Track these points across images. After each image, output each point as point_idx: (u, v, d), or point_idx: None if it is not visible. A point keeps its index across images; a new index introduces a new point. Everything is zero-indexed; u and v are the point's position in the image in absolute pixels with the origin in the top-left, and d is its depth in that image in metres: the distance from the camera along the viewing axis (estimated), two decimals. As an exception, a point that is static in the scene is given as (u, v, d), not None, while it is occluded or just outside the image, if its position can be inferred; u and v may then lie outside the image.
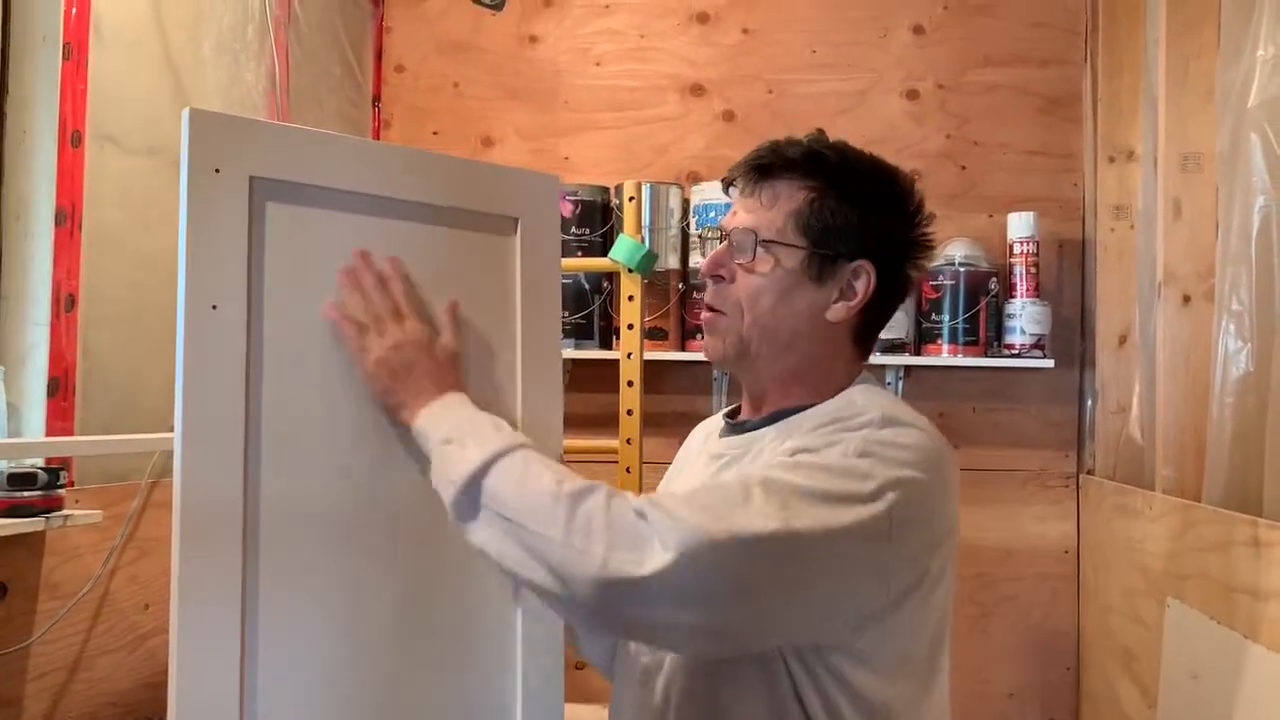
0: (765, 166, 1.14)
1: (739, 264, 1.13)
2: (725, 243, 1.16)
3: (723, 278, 1.15)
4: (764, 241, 1.12)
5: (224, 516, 0.88)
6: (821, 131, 1.20)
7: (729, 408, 1.28)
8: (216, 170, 0.92)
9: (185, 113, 0.90)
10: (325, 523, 0.96)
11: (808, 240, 1.12)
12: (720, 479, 1.11)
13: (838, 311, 1.13)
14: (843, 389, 1.15)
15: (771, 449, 1.10)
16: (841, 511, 0.97)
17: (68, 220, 1.65)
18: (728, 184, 1.19)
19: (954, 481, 1.09)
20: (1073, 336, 2.58)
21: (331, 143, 1.03)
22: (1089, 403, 2.54)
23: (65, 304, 1.64)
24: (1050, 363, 2.45)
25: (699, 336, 2.54)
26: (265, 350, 0.96)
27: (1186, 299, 1.89)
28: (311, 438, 0.97)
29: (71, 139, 1.65)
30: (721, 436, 1.23)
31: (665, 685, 1.11)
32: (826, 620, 1.00)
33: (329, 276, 1.02)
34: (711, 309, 1.16)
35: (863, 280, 1.13)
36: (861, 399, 1.12)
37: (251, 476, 0.91)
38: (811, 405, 1.13)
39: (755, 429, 1.16)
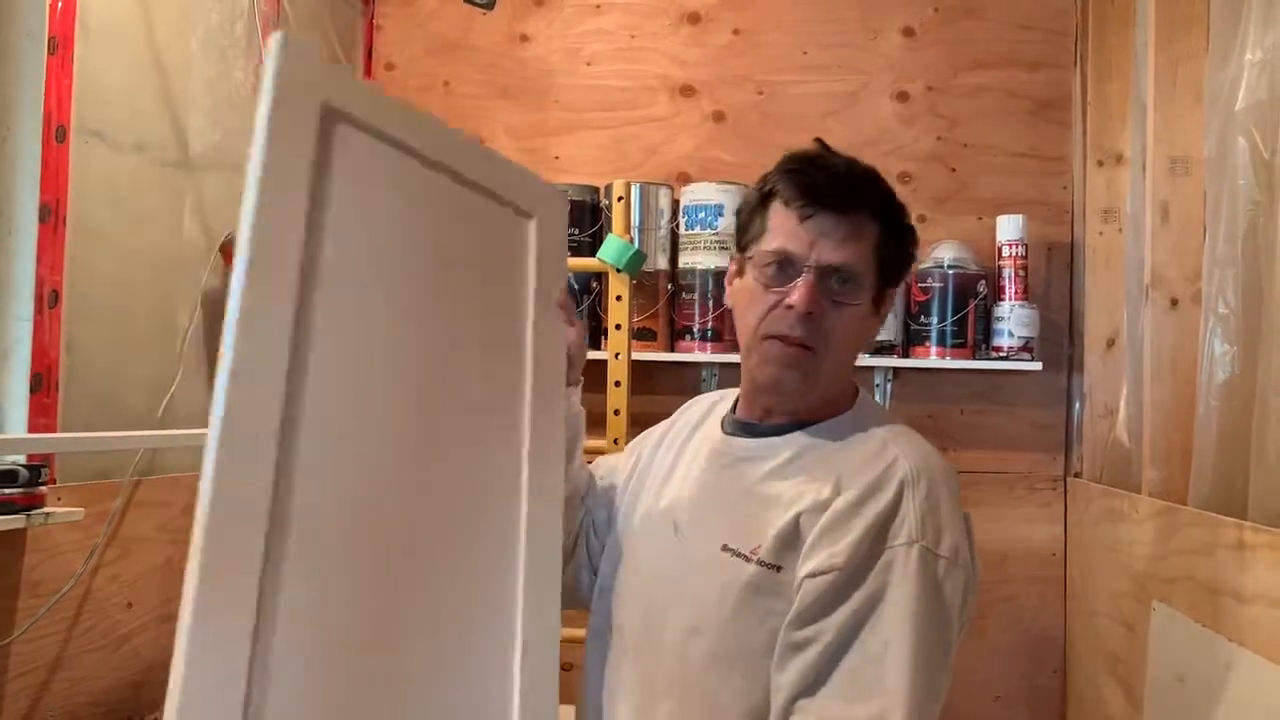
0: (850, 203, 1.16)
1: (835, 300, 1.16)
2: (818, 277, 1.15)
3: (816, 314, 1.15)
4: (856, 284, 1.16)
5: (253, 507, 0.79)
6: (822, 140, 1.23)
7: (731, 399, 1.30)
8: (295, 93, 0.83)
9: (275, 37, 0.83)
10: (353, 526, 0.88)
11: (878, 276, 1.18)
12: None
13: (876, 333, 1.24)
14: (845, 395, 1.23)
15: (799, 476, 1.15)
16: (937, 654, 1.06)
17: (52, 216, 1.64)
18: (804, 215, 1.16)
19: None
20: (1061, 339, 2.59)
21: (391, 101, 0.98)
22: (1077, 406, 2.54)
23: (49, 300, 1.63)
24: (1038, 365, 2.45)
25: (687, 337, 2.55)
26: (318, 313, 0.84)
27: (1174, 302, 1.89)
28: (355, 421, 0.88)
29: (56, 134, 1.64)
30: (728, 433, 1.25)
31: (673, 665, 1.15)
32: None
33: (390, 219, 0.94)
34: (803, 345, 1.16)
35: (889, 303, 1.22)
36: (884, 433, 1.17)
37: (285, 470, 0.80)
38: (824, 417, 1.20)
39: (767, 436, 1.21)
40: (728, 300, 1.27)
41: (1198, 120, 1.82)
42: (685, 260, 2.55)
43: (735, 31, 2.73)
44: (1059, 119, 2.62)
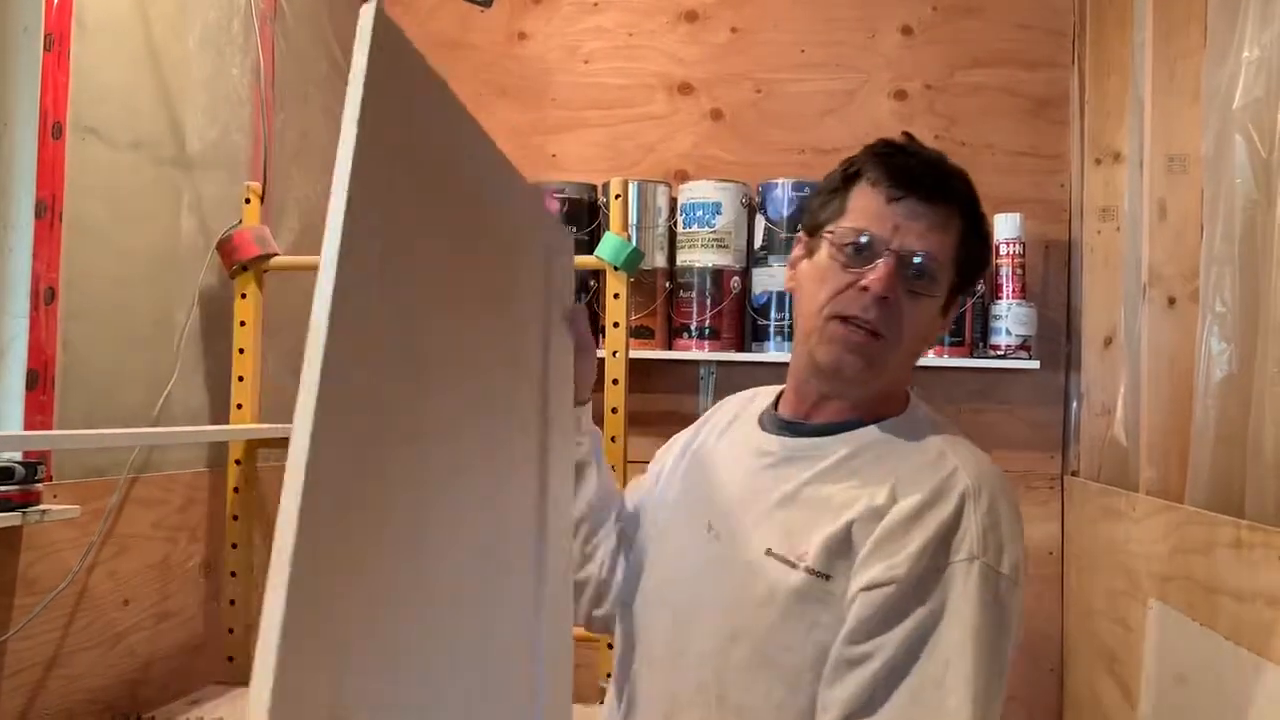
0: (939, 189, 1.12)
1: (912, 289, 1.10)
2: (898, 262, 1.09)
3: (890, 301, 1.09)
4: (935, 277, 1.12)
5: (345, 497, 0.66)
6: (909, 134, 1.19)
7: (774, 395, 1.26)
8: (389, 68, 0.76)
9: (368, 6, 0.74)
10: (419, 525, 0.79)
11: (956, 275, 1.14)
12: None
13: (937, 337, 1.21)
14: (898, 397, 1.19)
15: (851, 480, 1.10)
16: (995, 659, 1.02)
17: (48, 212, 1.63)
18: (892, 195, 1.11)
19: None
20: (1058, 338, 2.59)
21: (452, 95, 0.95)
22: (1074, 404, 2.54)
23: (45, 297, 1.63)
24: (1036, 364, 2.45)
25: (685, 335, 2.55)
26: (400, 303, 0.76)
27: (1171, 301, 1.89)
28: (422, 420, 0.79)
29: (53, 130, 1.64)
30: (769, 432, 1.20)
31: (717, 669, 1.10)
32: None
33: (447, 215, 0.88)
34: (876, 333, 1.10)
35: (956, 310, 1.19)
36: (940, 441, 1.13)
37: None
38: (881, 417, 1.15)
39: (814, 435, 1.16)
40: (788, 284, 1.21)
41: (1195, 118, 1.82)
42: (683, 258, 2.55)
43: (733, 30, 2.73)
44: (1057, 118, 2.62)
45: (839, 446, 1.13)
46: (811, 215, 1.19)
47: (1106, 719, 2.08)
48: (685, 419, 2.65)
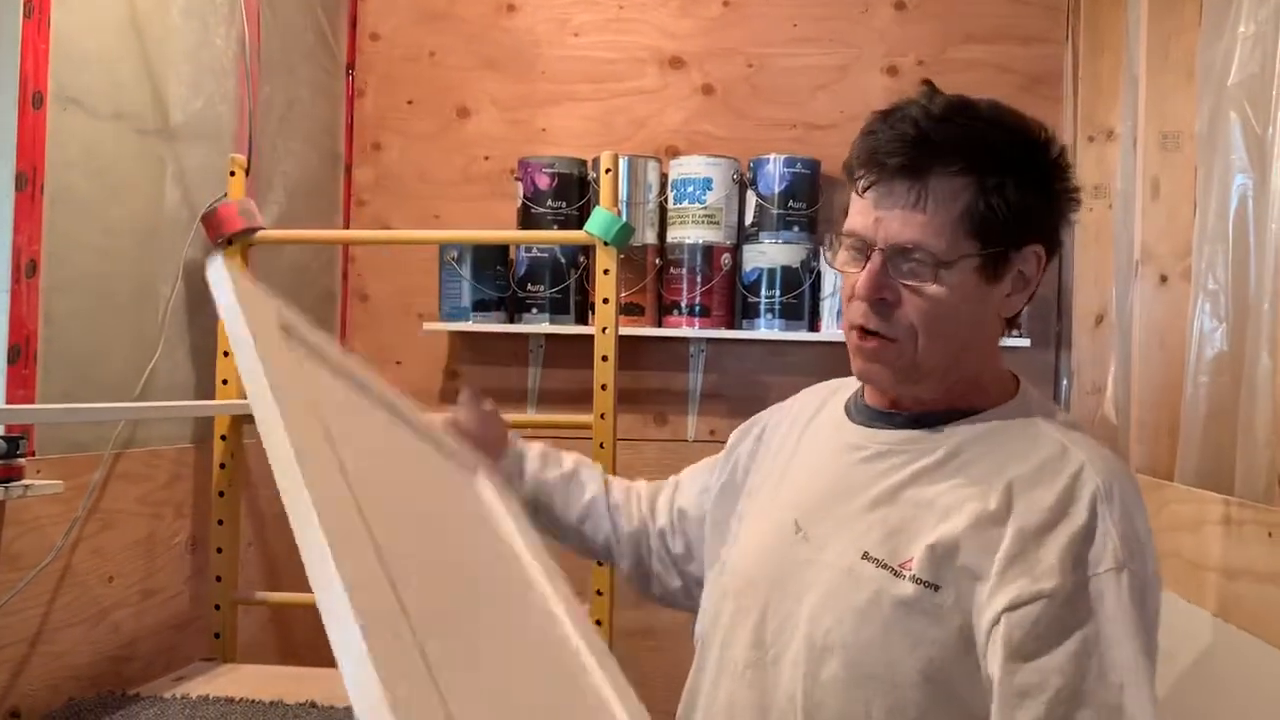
0: (916, 168, 0.98)
1: (906, 284, 1.00)
2: (882, 259, 1.00)
3: (888, 301, 1.01)
4: (936, 259, 0.98)
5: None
6: (931, 85, 1.04)
7: (856, 388, 1.14)
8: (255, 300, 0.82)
9: (212, 261, 0.77)
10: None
11: (980, 242, 0.99)
12: None
13: (1014, 305, 1.04)
14: (1000, 382, 1.08)
15: (955, 479, 1.00)
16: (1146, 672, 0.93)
17: (29, 184, 1.61)
18: (864, 186, 1.02)
19: None
20: (1050, 316, 2.58)
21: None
22: (1064, 383, 2.54)
23: (26, 270, 1.60)
24: (1026, 342, 2.45)
25: (675, 312, 2.54)
26: None
27: (1163, 278, 1.89)
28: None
29: (33, 100, 1.61)
30: (859, 423, 1.10)
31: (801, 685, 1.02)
32: None
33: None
34: (879, 336, 1.02)
35: (1034, 264, 1.02)
36: (1060, 434, 1.01)
37: None
38: (975, 409, 1.04)
39: (911, 428, 1.06)
40: None
41: (1189, 95, 1.81)
42: (674, 235, 2.54)
43: (725, 3, 2.70)
44: (1050, 94, 2.60)
45: (943, 441, 1.03)
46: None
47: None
48: (675, 396, 2.67)
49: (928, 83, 1.05)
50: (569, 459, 1.35)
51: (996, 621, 0.93)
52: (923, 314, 1.00)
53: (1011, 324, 1.10)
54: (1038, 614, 0.92)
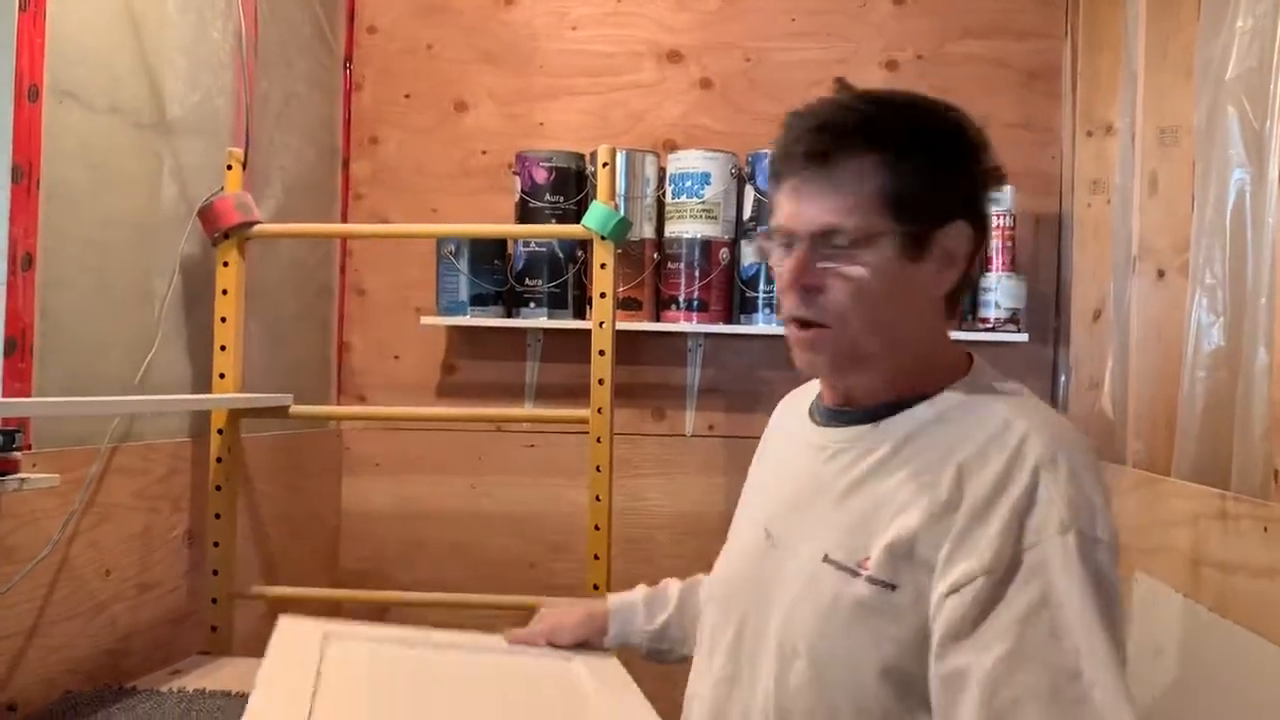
0: (825, 154, 1.00)
1: (828, 269, 1.01)
2: (803, 248, 1.01)
3: (813, 287, 1.02)
4: (852, 239, 0.99)
5: None
6: (843, 81, 1.07)
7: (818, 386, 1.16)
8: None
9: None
10: None
11: (897, 220, 1.00)
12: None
13: (944, 283, 1.04)
14: (950, 365, 1.06)
15: (906, 469, 0.99)
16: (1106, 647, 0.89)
17: (24, 177, 1.60)
18: (779, 178, 1.04)
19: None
20: (1047, 311, 2.58)
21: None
22: (1063, 378, 2.54)
23: (22, 263, 1.60)
24: (1024, 337, 2.45)
25: (673, 307, 2.54)
26: None
27: (1161, 273, 1.89)
28: None
29: (29, 94, 1.61)
30: (818, 423, 1.12)
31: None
32: None
33: None
34: (809, 324, 1.03)
35: (962, 241, 1.03)
36: (1004, 407, 1.00)
37: None
38: (924, 395, 1.03)
39: (863, 423, 1.06)
40: None
41: (1188, 90, 1.81)
42: (671, 229, 2.53)
43: (723, -3, 2.69)
44: (1048, 90, 2.60)
45: (890, 433, 1.03)
46: None
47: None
48: (673, 391, 2.67)
49: (840, 80, 1.08)
50: (674, 591, 1.38)
51: (939, 608, 0.93)
52: (848, 295, 1.01)
53: (953, 307, 1.09)
54: (976, 590, 0.91)
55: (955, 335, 2.45)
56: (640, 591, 1.40)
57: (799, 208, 1.02)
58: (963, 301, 1.12)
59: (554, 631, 1.37)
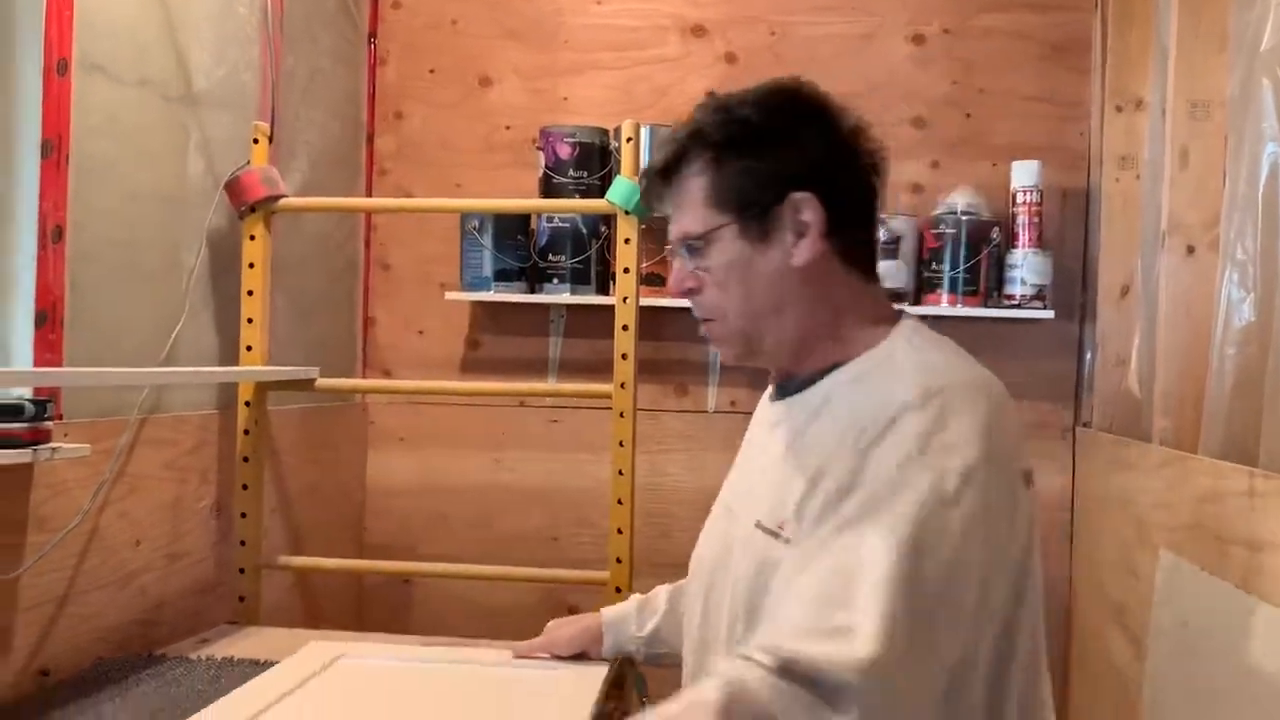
0: (665, 170, 1.14)
1: (695, 270, 1.13)
2: (678, 256, 1.16)
3: (693, 289, 1.15)
4: (698, 238, 1.12)
5: None
6: (711, 93, 1.17)
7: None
8: None
9: None
10: None
11: (730, 211, 1.10)
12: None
13: (802, 252, 1.09)
14: (876, 325, 1.12)
15: (820, 432, 1.07)
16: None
17: (54, 151, 1.62)
18: (656, 194, 1.18)
19: (1013, 424, 1.04)
20: (1074, 288, 2.56)
21: None
22: (1089, 355, 2.52)
23: (53, 236, 1.61)
24: (1050, 314, 2.43)
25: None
26: None
27: (1190, 249, 1.87)
28: None
29: (58, 67, 1.62)
30: (772, 400, 1.23)
31: None
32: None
33: None
34: (704, 320, 1.17)
35: (807, 210, 1.09)
36: (910, 362, 1.06)
37: None
38: (843, 360, 1.11)
39: (795, 393, 1.16)
40: None
41: (1220, 64, 1.78)
42: (695, 204, 2.52)
43: (748, -29, 2.67)
44: (1077, 64, 2.57)
45: (813, 398, 1.12)
46: None
47: (1114, 669, 2.08)
48: (696, 367, 2.67)
49: (709, 93, 1.16)
50: (663, 597, 1.49)
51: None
52: (715, 290, 1.12)
53: (863, 269, 1.14)
54: (825, 497, 1.00)
55: (980, 312, 2.44)
56: (633, 601, 1.53)
57: (671, 220, 1.16)
58: (868, 260, 1.15)
59: (554, 644, 1.57)
